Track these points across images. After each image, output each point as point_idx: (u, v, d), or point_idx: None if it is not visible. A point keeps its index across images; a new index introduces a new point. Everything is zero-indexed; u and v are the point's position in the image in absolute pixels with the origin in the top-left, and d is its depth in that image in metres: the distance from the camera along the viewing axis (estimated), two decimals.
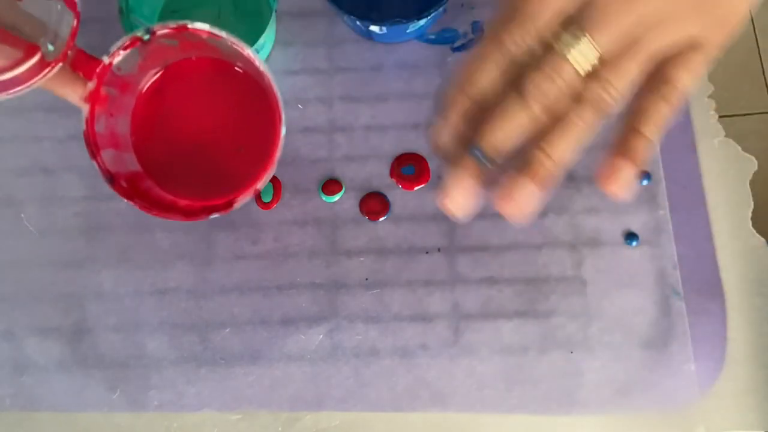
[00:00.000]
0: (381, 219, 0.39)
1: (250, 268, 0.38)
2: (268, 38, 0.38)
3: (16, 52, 0.27)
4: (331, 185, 0.39)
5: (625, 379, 0.36)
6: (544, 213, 0.38)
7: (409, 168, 0.39)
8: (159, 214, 0.30)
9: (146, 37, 0.29)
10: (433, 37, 0.41)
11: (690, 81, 0.24)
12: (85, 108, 0.29)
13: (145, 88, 0.33)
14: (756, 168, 0.38)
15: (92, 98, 0.29)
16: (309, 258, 0.38)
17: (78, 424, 0.38)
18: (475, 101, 0.24)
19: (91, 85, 0.29)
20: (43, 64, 0.27)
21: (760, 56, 1.12)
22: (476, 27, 0.40)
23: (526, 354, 0.37)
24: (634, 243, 0.38)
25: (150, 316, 0.38)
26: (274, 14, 0.36)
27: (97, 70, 0.29)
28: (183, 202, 0.33)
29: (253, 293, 0.38)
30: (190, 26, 0.29)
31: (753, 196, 0.38)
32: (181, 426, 0.37)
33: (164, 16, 0.40)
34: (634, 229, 0.38)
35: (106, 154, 0.30)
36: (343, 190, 0.39)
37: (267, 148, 0.31)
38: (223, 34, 0.29)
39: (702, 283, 0.37)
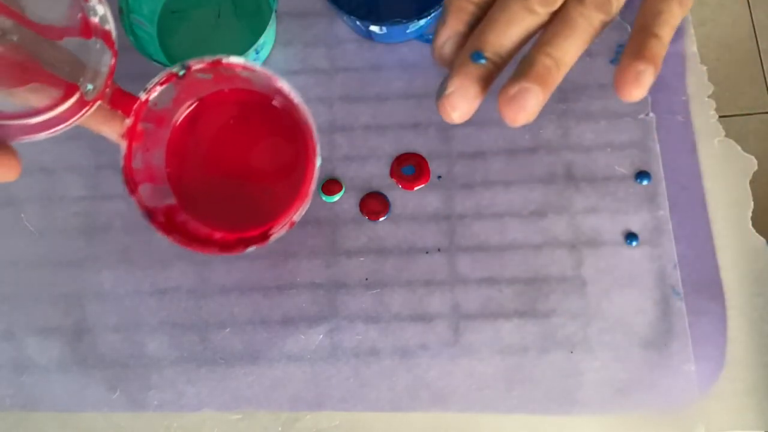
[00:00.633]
0: (381, 219, 0.39)
1: (250, 268, 0.39)
2: (268, 38, 0.38)
3: (56, 92, 0.27)
4: (331, 185, 0.39)
5: (625, 379, 0.36)
6: (544, 213, 0.38)
7: (409, 168, 0.39)
8: (197, 249, 0.31)
9: (182, 72, 0.29)
10: (433, 37, 0.41)
11: None
12: (123, 144, 0.30)
13: (179, 121, 0.34)
14: (756, 168, 0.38)
15: (130, 134, 0.30)
16: (309, 258, 0.38)
17: (78, 424, 0.38)
18: (477, 5, 0.23)
19: (128, 121, 0.29)
20: (82, 103, 0.27)
21: (760, 56, 1.12)
22: None
23: (526, 354, 0.37)
24: (634, 243, 0.38)
25: (150, 316, 0.38)
26: (274, 14, 0.36)
27: (135, 106, 0.29)
28: (218, 234, 0.33)
29: (253, 293, 0.38)
30: (224, 60, 0.29)
31: (753, 196, 0.38)
32: (181, 426, 0.37)
33: (164, 17, 0.40)
34: (634, 229, 0.38)
35: (143, 189, 0.31)
36: (343, 190, 0.39)
37: (300, 178, 0.31)
38: (257, 67, 0.29)
39: (702, 283, 0.37)
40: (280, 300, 0.38)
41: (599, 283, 0.37)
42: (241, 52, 0.35)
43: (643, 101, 0.39)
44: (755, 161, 0.39)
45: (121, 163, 0.30)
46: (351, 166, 0.39)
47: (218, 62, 0.29)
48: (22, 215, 0.40)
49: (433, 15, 0.35)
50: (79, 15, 0.27)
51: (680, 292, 0.37)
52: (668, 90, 0.39)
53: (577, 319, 0.37)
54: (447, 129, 0.40)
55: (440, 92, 0.23)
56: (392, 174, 0.39)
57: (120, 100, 0.29)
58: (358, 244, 0.38)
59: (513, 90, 0.22)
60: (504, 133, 0.39)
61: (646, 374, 0.36)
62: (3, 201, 0.40)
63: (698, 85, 0.39)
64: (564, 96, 0.39)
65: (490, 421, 0.37)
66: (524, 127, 0.39)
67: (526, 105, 0.22)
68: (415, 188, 0.39)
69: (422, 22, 0.36)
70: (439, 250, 0.38)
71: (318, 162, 0.31)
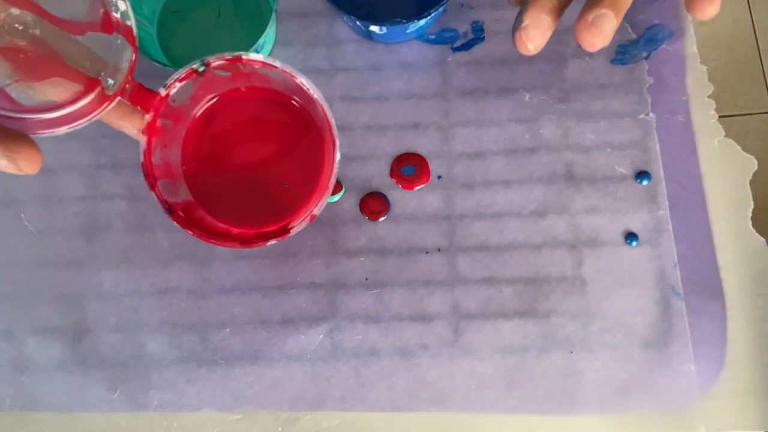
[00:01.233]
0: (381, 219, 0.39)
1: (250, 268, 0.39)
2: (268, 38, 0.38)
3: (77, 87, 0.27)
4: None
5: (625, 379, 0.36)
6: (544, 213, 0.38)
7: (409, 168, 0.39)
8: (217, 243, 0.31)
9: (201, 68, 0.29)
10: (433, 37, 0.41)
11: None
12: (143, 140, 0.30)
13: (196, 119, 0.34)
14: (756, 168, 0.38)
15: (149, 130, 0.30)
16: (309, 258, 0.38)
17: (78, 424, 0.38)
18: None
19: (148, 117, 0.29)
20: (102, 98, 0.28)
21: (760, 56, 1.12)
22: (476, 27, 0.41)
23: (526, 354, 0.37)
24: (634, 243, 0.38)
25: (150, 316, 0.38)
26: (274, 14, 0.36)
27: (154, 102, 0.29)
28: (235, 230, 0.33)
29: (253, 293, 0.38)
30: (244, 57, 0.29)
31: (753, 196, 0.38)
32: (181, 426, 0.37)
33: (164, 17, 0.40)
34: (634, 229, 0.38)
35: (162, 185, 0.31)
36: (343, 190, 0.39)
37: (317, 174, 0.32)
38: (277, 63, 0.29)
39: (702, 283, 0.37)
40: (280, 300, 0.38)
41: (599, 283, 0.37)
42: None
43: (643, 101, 0.39)
44: (755, 161, 0.39)
45: (141, 158, 0.30)
46: (351, 166, 0.39)
47: (238, 58, 0.29)
48: (22, 215, 0.40)
49: (433, 15, 0.35)
50: (101, 10, 0.27)
51: (680, 292, 0.37)
52: (668, 90, 0.39)
53: (577, 319, 0.37)
54: (447, 129, 0.40)
55: (516, 26, 0.25)
56: (392, 174, 0.39)
57: (140, 96, 0.29)
58: (358, 244, 0.38)
59: (590, 16, 0.23)
60: (504, 133, 0.39)
61: (646, 374, 0.36)
62: (3, 201, 0.40)
63: (698, 85, 0.39)
64: (564, 96, 0.40)
65: (490, 421, 0.37)
66: (524, 126, 0.39)
67: (604, 29, 0.23)
68: (415, 188, 0.39)
69: (422, 22, 0.36)
70: (439, 250, 0.38)
71: (338, 156, 0.31)
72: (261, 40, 0.36)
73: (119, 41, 0.28)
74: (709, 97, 0.39)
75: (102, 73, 0.27)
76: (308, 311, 0.38)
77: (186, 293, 0.38)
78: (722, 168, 0.39)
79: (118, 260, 0.39)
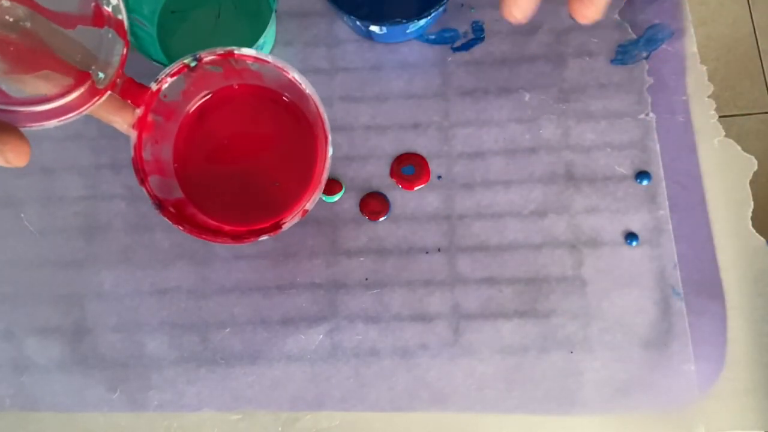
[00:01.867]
0: (381, 219, 0.39)
1: (250, 268, 0.39)
2: (268, 38, 0.38)
3: (67, 80, 0.27)
4: (331, 185, 0.39)
5: (625, 379, 0.36)
6: (544, 213, 0.38)
7: (409, 168, 0.39)
8: (208, 239, 0.31)
9: (193, 63, 0.29)
10: (433, 37, 0.41)
11: None
12: (134, 135, 0.30)
13: (188, 116, 0.34)
14: (756, 168, 0.38)
15: (140, 125, 0.30)
16: (309, 258, 0.38)
17: (78, 424, 0.38)
18: None
19: (139, 111, 0.29)
20: (93, 92, 0.27)
21: (760, 56, 1.12)
22: (476, 27, 0.41)
23: (526, 354, 0.37)
24: (634, 243, 0.38)
25: (150, 316, 0.38)
26: (274, 14, 0.36)
27: (145, 97, 0.29)
28: (227, 227, 0.33)
29: (253, 293, 0.38)
30: (236, 52, 0.29)
31: (753, 196, 0.38)
32: (181, 426, 0.37)
33: (164, 17, 0.40)
34: (634, 229, 0.38)
35: (153, 180, 0.31)
36: (343, 190, 0.39)
37: (309, 170, 0.31)
38: (269, 58, 0.29)
39: (702, 283, 0.37)
40: (280, 300, 0.38)
41: (599, 283, 0.37)
42: None
43: (643, 101, 0.39)
44: (755, 161, 0.39)
45: (132, 153, 0.30)
46: (351, 166, 0.39)
47: (230, 53, 0.29)
48: (22, 215, 0.40)
49: (433, 15, 0.35)
50: (93, 4, 0.27)
51: (680, 292, 0.37)
52: (668, 90, 0.39)
53: (577, 319, 0.37)
54: (447, 129, 0.40)
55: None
56: (392, 174, 0.39)
57: (131, 91, 0.29)
58: (358, 244, 0.38)
59: None
60: (504, 133, 0.39)
61: (646, 374, 0.36)
62: (3, 201, 0.40)
63: (698, 85, 0.39)
64: (564, 96, 0.39)
65: (490, 421, 0.37)
66: (524, 126, 0.39)
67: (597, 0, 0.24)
68: (415, 188, 0.39)
69: (422, 22, 0.36)
70: (439, 250, 0.38)
71: (330, 151, 0.30)
72: (261, 40, 0.36)
73: (110, 35, 0.27)
74: (709, 97, 0.39)
75: (93, 67, 0.27)
76: (308, 311, 0.38)
77: (186, 293, 0.38)
78: (722, 168, 0.39)
79: (118, 260, 0.39)
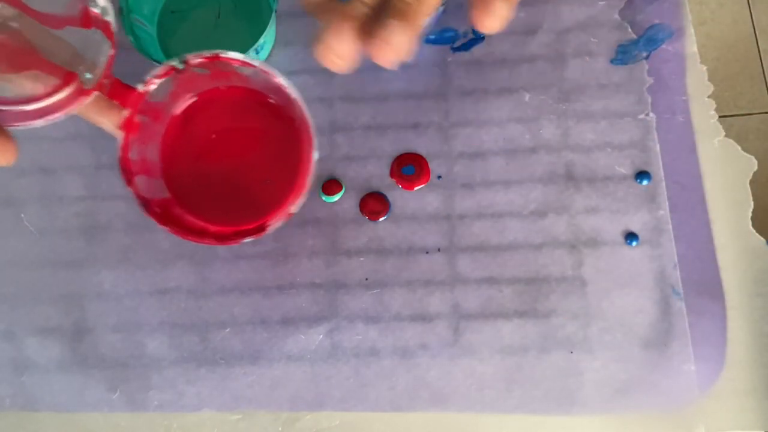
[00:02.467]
0: (381, 219, 0.39)
1: (250, 268, 0.39)
2: (268, 38, 0.38)
3: (54, 80, 0.27)
4: (331, 185, 0.39)
5: (625, 379, 0.36)
6: (544, 213, 0.38)
7: (409, 168, 0.39)
8: (193, 239, 0.31)
9: (180, 66, 0.29)
10: (433, 37, 0.41)
11: None
12: (120, 135, 0.30)
13: (175, 117, 0.34)
14: (756, 168, 0.38)
15: (127, 126, 0.30)
16: (309, 258, 0.38)
17: (78, 424, 0.38)
18: None
19: (126, 112, 0.29)
20: (80, 92, 0.28)
21: (760, 56, 1.12)
22: None
23: (526, 354, 0.37)
24: (634, 243, 0.38)
25: (150, 316, 0.38)
26: (274, 14, 0.36)
27: (132, 98, 0.29)
28: (213, 228, 0.33)
29: (253, 293, 0.38)
30: (222, 55, 0.29)
31: (753, 196, 0.38)
32: (181, 426, 0.37)
33: (164, 16, 0.40)
34: (634, 229, 0.38)
35: (139, 181, 0.31)
36: (343, 190, 0.39)
37: (295, 173, 0.32)
38: (255, 62, 0.29)
39: (702, 283, 0.37)
40: (280, 300, 0.38)
41: (599, 283, 0.37)
42: (241, 52, 0.35)
43: (643, 101, 0.39)
44: (755, 161, 0.39)
45: (119, 153, 0.30)
46: (351, 166, 0.39)
47: (216, 57, 0.29)
48: (22, 215, 0.40)
49: (433, 15, 0.35)
50: (80, 5, 0.27)
51: (680, 292, 0.37)
52: (668, 90, 0.39)
53: (577, 319, 0.37)
54: (447, 129, 0.40)
55: (316, 40, 0.24)
56: (392, 174, 0.39)
57: (118, 91, 0.29)
58: (358, 244, 0.38)
59: (381, 33, 0.23)
60: (504, 133, 0.39)
61: (646, 374, 0.36)
62: (3, 201, 0.40)
63: (698, 85, 0.39)
64: (564, 96, 0.39)
65: (490, 421, 0.37)
66: (524, 126, 0.39)
67: (395, 44, 0.23)
68: (415, 188, 0.39)
69: None
70: (439, 250, 0.38)
71: (315, 156, 0.31)
72: (261, 40, 0.36)
73: (98, 36, 0.28)
74: (709, 97, 0.39)
75: (80, 68, 0.27)
76: (308, 311, 0.38)
77: (186, 293, 0.38)
78: (722, 168, 0.39)
79: (118, 260, 0.39)
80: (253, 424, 0.37)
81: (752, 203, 0.38)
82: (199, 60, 0.29)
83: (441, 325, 0.37)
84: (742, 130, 1.10)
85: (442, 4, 0.35)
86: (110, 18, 0.27)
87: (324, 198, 0.39)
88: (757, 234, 0.38)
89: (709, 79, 0.39)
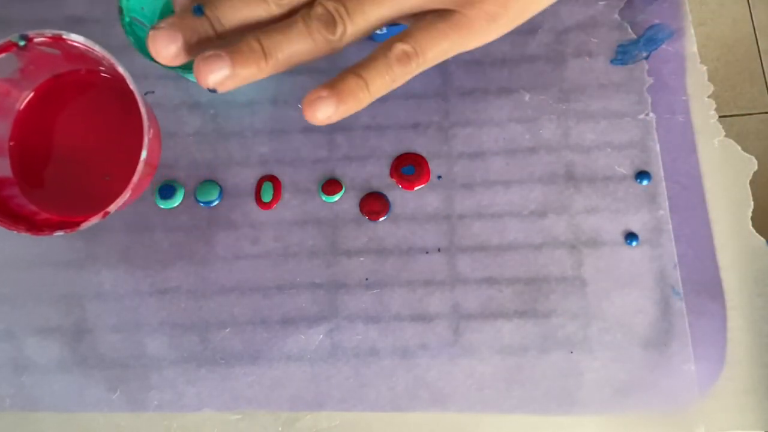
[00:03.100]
0: (381, 219, 0.39)
1: (250, 268, 0.39)
2: None
3: None
4: (331, 185, 0.39)
5: (625, 379, 0.36)
6: (544, 213, 0.38)
7: (409, 168, 0.39)
8: (4, 225, 0.31)
9: (22, 42, 0.29)
10: None
11: (433, 52, 0.24)
12: None
13: (30, 97, 0.34)
14: (756, 168, 0.38)
15: None
16: (309, 258, 0.38)
17: (78, 424, 0.38)
18: None
19: None
20: None
21: (760, 56, 1.12)
22: None
23: (526, 354, 0.37)
24: (634, 243, 0.38)
25: (150, 316, 0.38)
26: None
27: None
28: (43, 215, 0.33)
29: (253, 293, 0.38)
30: (65, 36, 0.29)
31: (753, 196, 0.38)
32: (181, 426, 0.37)
33: (164, 17, 0.40)
34: (634, 229, 0.38)
35: None
36: (343, 190, 0.39)
37: (133, 171, 0.31)
38: (96, 47, 0.29)
39: (702, 283, 0.37)
40: (280, 300, 0.38)
41: (599, 283, 0.37)
42: None
43: (643, 101, 0.39)
44: (755, 161, 0.39)
45: None
46: (351, 166, 0.39)
47: (59, 37, 0.29)
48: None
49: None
50: None
51: (680, 292, 0.37)
52: (668, 90, 0.39)
53: (577, 319, 0.37)
54: (447, 129, 0.40)
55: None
56: (392, 174, 0.39)
57: None
58: (358, 244, 0.38)
59: (207, 58, 0.23)
60: (504, 133, 0.39)
61: (646, 374, 0.36)
62: None
63: (698, 85, 0.39)
64: (564, 96, 0.40)
65: (490, 421, 0.37)
66: (524, 126, 0.39)
67: (214, 74, 0.23)
68: (415, 188, 0.39)
69: None
70: (439, 250, 0.38)
71: (143, 155, 0.30)
72: None
73: None
74: (709, 97, 0.39)
75: None
76: (308, 311, 0.38)
77: (186, 293, 0.38)
78: (722, 168, 0.39)
79: (118, 260, 0.39)
80: (253, 424, 0.37)
81: (752, 203, 0.38)
82: (42, 38, 0.29)
83: (441, 325, 0.37)
84: (742, 130, 1.10)
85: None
86: None
87: (324, 198, 0.39)
88: (757, 234, 0.38)
89: (709, 79, 0.39)
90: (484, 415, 0.37)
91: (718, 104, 0.39)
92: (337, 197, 0.39)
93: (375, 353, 0.37)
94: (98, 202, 0.32)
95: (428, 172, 0.39)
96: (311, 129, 0.40)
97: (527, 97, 0.40)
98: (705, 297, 0.37)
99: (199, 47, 0.23)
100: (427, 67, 0.25)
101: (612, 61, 0.40)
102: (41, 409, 0.38)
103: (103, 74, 0.33)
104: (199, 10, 0.23)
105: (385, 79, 0.25)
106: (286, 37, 0.23)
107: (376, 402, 0.37)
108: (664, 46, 0.40)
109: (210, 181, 0.39)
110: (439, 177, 0.39)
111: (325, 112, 0.24)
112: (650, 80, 0.39)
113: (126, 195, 0.30)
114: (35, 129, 0.33)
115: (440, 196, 0.39)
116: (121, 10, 0.35)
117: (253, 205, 0.39)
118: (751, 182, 0.38)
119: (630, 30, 0.40)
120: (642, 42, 0.40)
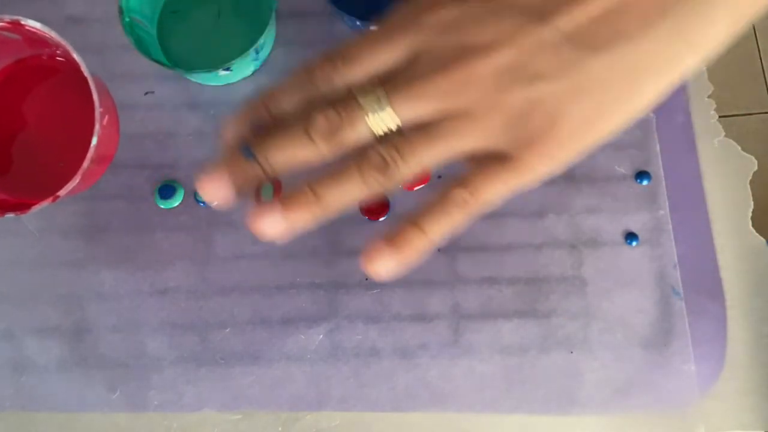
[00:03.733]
0: (381, 219, 0.39)
1: (250, 268, 0.38)
2: (268, 38, 0.38)
3: None
4: None
5: (625, 379, 0.36)
6: (544, 213, 0.38)
7: None
8: None
9: None
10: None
11: (491, 195, 0.23)
12: None
13: None
14: (756, 168, 0.38)
15: None
16: (309, 258, 0.38)
17: (78, 424, 0.38)
18: (271, 114, 0.24)
19: None
20: None
21: (760, 56, 1.12)
22: None
23: (526, 354, 0.37)
24: (634, 243, 0.38)
25: (150, 316, 0.38)
26: (274, 14, 0.36)
27: None
28: (12, 200, 0.33)
29: (253, 293, 0.38)
30: (22, 21, 0.29)
31: (753, 196, 0.38)
32: (181, 426, 0.37)
33: (164, 16, 0.40)
34: (634, 229, 0.38)
35: None
36: None
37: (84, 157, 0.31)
38: (52, 33, 0.29)
39: (702, 283, 0.37)
40: (280, 300, 0.38)
41: (599, 283, 0.37)
42: (241, 52, 0.35)
43: None
44: (755, 161, 0.39)
45: None
46: None
47: (17, 23, 0.29)
48: (23, 215, 0.40)
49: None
50: None
51: (680, 292, 0.37)
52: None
53: (577, 319, 0.37)
54: None
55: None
56: None
57: None
58: (358, 244, 0.38)
59: (260, 208, 0.24)
60: None
61: (646, 374, 0.36)
62: None
63: (698, 85, 0.39)
64: None
65: (490, 421, 0.37)
66: None
67: (268, 226, 0.24)
68: (415, 188, 0.39)
69: None
70: (439, 250, 0.38)
71: (93, 141, 0.30)
72: (261, 40, 0.36)
73: None
74: (709, 97, 0.39)
75: None
76: (308, 311, 0.38)
77: (186, 293, 0.38)
78: (722, 168, 0.39)
79: (118, 260, 0.39)
80: (253, 424, 0.37)
81: (752, 203, 0.38)
82: (1, 23, 0.29)
83: (441, 325, 0.37)
84: (742, 130, 1.10)
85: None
86: None
87: None
88: (757, 234, 0.38)
89: (709, 79, 0.39)
90: (484, 415, 0.37)
91: (718, 104, 0.39)
92: None
93: (375, 353, 0.37)
94: (55, 187, 0.32)
95: (428, 173, 0.39)
96: None
97: None
98: (705, 297, 0.37)
99: (249, 187, 0.24)
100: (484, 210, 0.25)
101: None
102: (41, 409, 0.38)
103: (59, 59, 0.33)
104: (248, 152, 0.23)
105: (444, 227, 0.25)
106: (340, 185, 0.23)
107: (376, 402, 0.37)
108: None
109: None
110: (439, 177, 0.39)
111: (385, 267, 0.23)
112: None
113: (75, 181, 0.30)
114: None
115: None
116: (121, 10, 0.35)
117: (253, 205, 0.39)
118: (751, 182, 0.38)
119: None
120: None
